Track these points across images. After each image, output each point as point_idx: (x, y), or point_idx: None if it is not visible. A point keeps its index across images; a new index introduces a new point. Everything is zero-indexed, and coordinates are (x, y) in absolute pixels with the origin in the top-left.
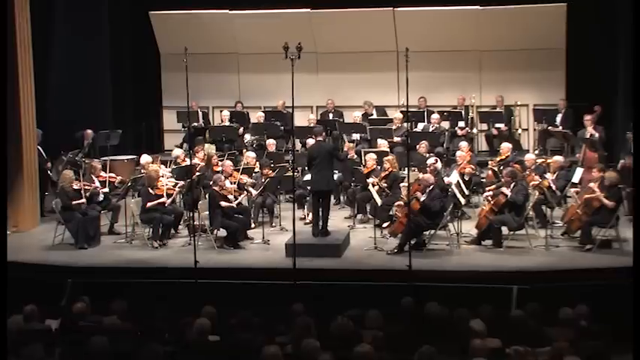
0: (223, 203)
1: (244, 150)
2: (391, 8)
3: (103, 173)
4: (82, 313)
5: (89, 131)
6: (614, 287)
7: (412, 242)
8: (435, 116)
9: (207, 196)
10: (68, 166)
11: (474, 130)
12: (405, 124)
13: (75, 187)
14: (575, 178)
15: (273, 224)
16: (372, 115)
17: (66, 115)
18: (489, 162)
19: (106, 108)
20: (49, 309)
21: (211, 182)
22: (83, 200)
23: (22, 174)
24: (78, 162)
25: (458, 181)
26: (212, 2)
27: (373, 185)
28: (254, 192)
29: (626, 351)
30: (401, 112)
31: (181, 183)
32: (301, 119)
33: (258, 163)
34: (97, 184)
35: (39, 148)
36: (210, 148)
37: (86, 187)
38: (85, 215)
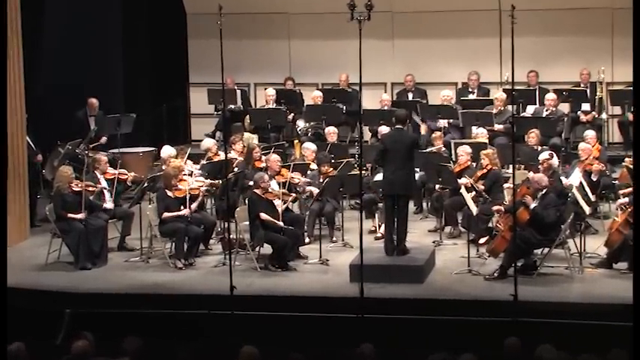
0: (264, 216)
1: (296, 140)
2: None
3: (110, 169)
4: (84, 353)
5: (93, 100)
6: None
7: (519, 264)
8: (551, 96)
9: (246, 201)
10: (66, 160)
11: (604, 116)
12: (510, 107)
13: (75, 188)
14: None
15: (334, 239)
16: (473, 92)
17: (64, 96)
18: (625, 158)
19: (117, 86)
20: (41, 348)
21: (252, 183)
22: (81, 215)
23: (6, 171)
24: (79, 155)
25: (581, 182)
26: None
27: (467, 188)
28: (296, 205)
29: None
30: (504, 90)
31: (211, 182)
32: (371, 100)
33: (316, 158)
34: (104, 184)
35: (27, 138)
36: (252, 138)
37: (89, 189)
38: (89, 225)
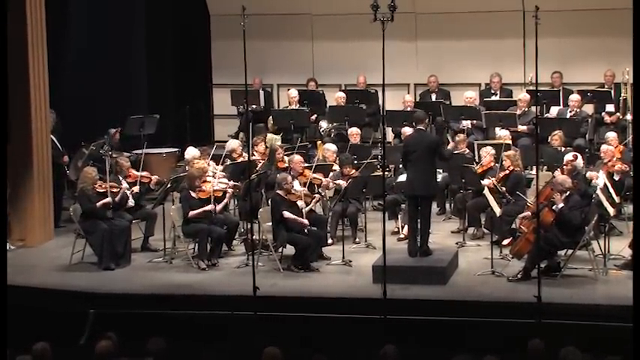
0: (287, 214)
1: (319, 141)
2: None
3: (133, 171)
4: (107, 353)
5: (117, 136)
6: None
7: (542, 266)
8: (575, 97)
9: (269, 201)
10: (90, 161)
11: (628, 117)
12: (534, 108)
13: (99, 189)
14: None
15: (357, 240)
16: (496, 93)
17: (87, 96)
18: None
19: (141, 86)
20: (66, 348)
21: (275, 184)
22: (109, 199)
23: (31, 172)
24: (102, 156)
25: (605, 184)
26: None
27: (490, 189)
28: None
29: None
30: (528, 91)
31: (234, 184)
32: (394, 101)
33: (337, 159)
34: (126, 185)
35: (52, 138)
36: (274, 139)
37: (113, 190)
38: (112, 226)
